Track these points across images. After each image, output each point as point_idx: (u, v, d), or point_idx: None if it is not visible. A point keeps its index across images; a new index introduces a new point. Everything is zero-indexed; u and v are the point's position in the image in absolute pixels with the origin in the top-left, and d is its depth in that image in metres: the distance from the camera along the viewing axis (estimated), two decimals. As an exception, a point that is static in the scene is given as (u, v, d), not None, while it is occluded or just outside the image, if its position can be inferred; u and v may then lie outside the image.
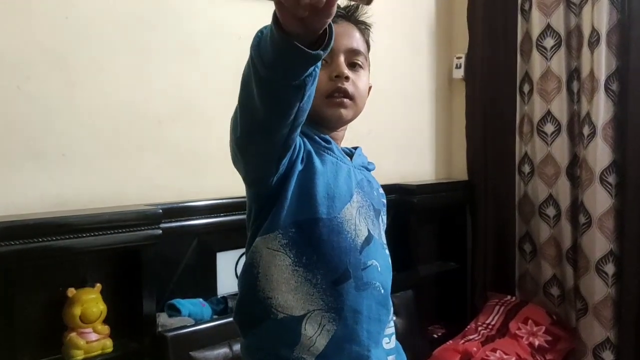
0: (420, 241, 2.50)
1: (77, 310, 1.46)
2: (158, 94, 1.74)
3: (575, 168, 2.40)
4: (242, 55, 0.78)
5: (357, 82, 0.97)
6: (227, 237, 1.82)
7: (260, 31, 0.72)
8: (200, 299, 1.77)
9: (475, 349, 2.21)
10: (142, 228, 1.54)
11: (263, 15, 0.78)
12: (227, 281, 1.87)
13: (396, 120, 2.55)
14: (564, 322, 2.42)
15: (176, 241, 1.75)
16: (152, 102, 1.73)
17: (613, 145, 2.26)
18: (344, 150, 1.01)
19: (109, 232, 1.47)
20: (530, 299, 2.52)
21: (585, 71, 2.31)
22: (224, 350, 1.63)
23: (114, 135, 1.66)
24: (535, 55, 2.44)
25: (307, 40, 0.68)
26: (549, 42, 2.41)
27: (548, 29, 2.40)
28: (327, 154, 0.95)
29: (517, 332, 2.33)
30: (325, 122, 0.97)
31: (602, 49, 2.22)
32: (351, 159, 1.01)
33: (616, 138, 2.26)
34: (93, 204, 1.60)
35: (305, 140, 0.93)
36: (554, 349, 2.30)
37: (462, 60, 2.72)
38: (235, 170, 0.90)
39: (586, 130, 2.30)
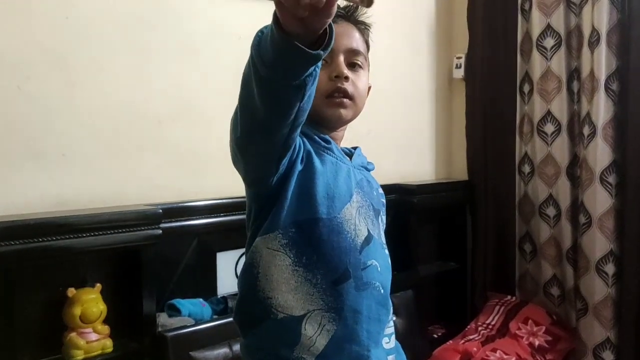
0: (420, 241, 2.50)
1: (77, 310, 1.46)
2: (158, 94, 1.74)
3: (576, 168, 2.40)
4: (242, 55, 0.78)
5: (356, 82, 0.97)
6: (227, 237, 1.82)
7: (261, 31, 0.72)
8: (200, 299, 1.77)
9: (475, 349, 2.21)
10: (142, 228, 1.54)
11: (263, 15, 0.78)
12: (227, 281, 1.87)
13: (396, 120, 2.54)
14: (564, 322, 2.42)
15: (176, 241, 1.75)
16: (152, 102, 1.73)
17: (613, 145, 2.26)
18: (343, 150, 1.01)
19: (109, 232, 1.47)
20: (530, 299, 2.52)
21: (585, 71, 2.31)
22: (224, 350, 1.62)
23: (114, 135, 1.66)
24: (536, 55, 2.44)
25: (307, 40, 0.68)
26: (549, 42, 2.40)
27: (548, 29, 2.40)
28: (327, 154, 0.95)
29: (517, 332, 2.33)
30: (325, 122, 0.97)
31: (602, 48, 2.22)
32: (351, 159, 1.01)
33: (616, 138, 2.26)
34: (93, 204, 1.60)
35: (305, 140, 0.93)
36: (554, 349, 2.29)
37: (462, 60, 2.72)
38: (235, 170, 0.90)
39: (586, 130, 2.30)
